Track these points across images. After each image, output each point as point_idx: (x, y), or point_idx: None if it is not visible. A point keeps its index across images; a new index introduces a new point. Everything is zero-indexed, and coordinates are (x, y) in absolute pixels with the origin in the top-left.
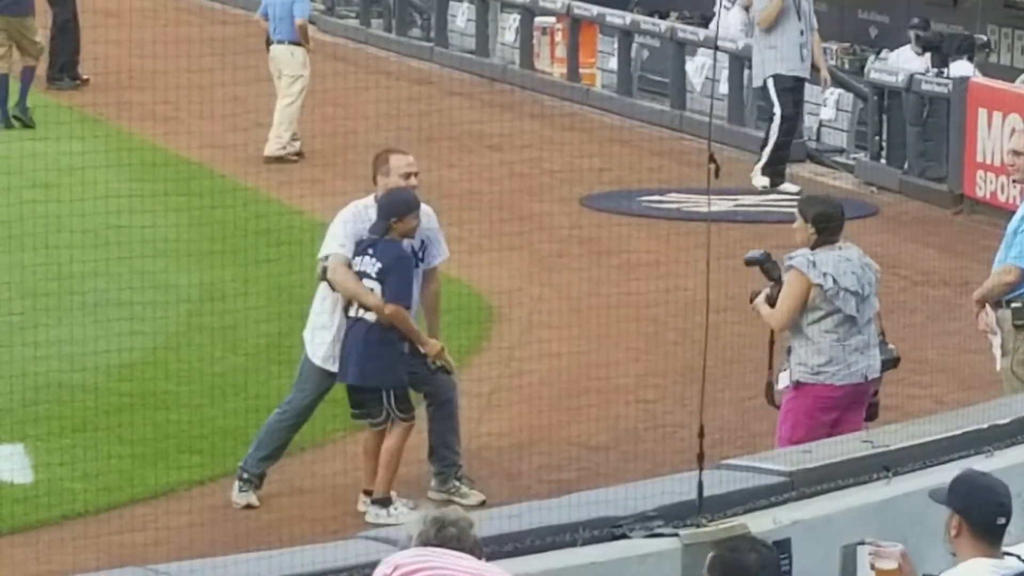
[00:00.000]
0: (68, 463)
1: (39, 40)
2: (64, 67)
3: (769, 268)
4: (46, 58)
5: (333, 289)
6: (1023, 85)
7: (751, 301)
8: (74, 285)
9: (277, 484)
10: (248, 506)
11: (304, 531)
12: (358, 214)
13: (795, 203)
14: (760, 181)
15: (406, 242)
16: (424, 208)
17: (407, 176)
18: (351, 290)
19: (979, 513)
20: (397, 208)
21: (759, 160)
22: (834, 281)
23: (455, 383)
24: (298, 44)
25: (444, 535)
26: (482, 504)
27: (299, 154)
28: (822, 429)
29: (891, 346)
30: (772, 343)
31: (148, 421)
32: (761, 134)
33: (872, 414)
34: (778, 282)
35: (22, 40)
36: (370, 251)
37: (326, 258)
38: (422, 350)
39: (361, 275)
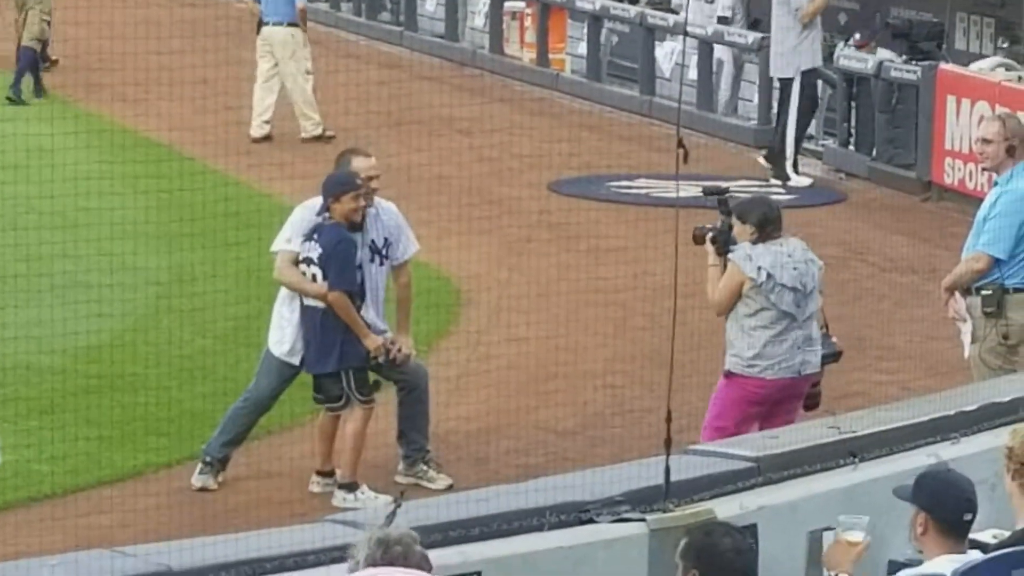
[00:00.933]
0: (35, 445)
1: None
2: None
3: (725, 200)
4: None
5: None
6: (991, 72)
7: (695, 239)
8: (42, 267)
9: (244, 467)
10: (204, 489)
11: (271, 514)
12: (311, 207)
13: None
14: (801, 180)
15: (375, 235)
16: (386, 205)
17: (367, 180)
18: (292, 283)
19: (946, 510)
20: (333, 188)
21: (786, 159)
22: (768, 276)
23: (426, 370)
24: (296, 25)
25: (391, 555)
26: (449, 488)
27: (269, 137)
28: (750, 421)
29: (834, 339)
30: None
31: (116, 403)
32: (730, 120)
33: (811, 404)
34: (729, 217)
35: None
36: (315, 236)
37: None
38: (364, 343)
39: (307, 261)
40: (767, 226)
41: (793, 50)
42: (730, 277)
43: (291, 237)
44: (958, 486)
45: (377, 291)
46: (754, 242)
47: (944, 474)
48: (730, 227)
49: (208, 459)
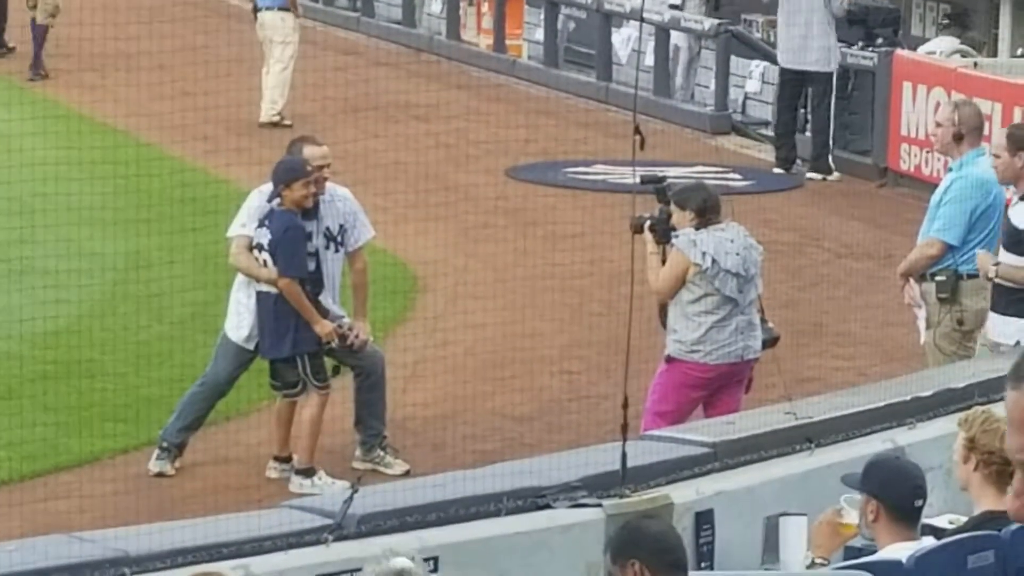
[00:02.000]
0: None
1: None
2: None
3: (663, 190)
4: None
5: None
6: (946, 58)
7: (633, 228)
8: None
9: (202, 453)
10: (160, 474)
11: (228, 500)
12: (266, 192)
13: (723, 175)
14: (835, 174)
15: (330, 222)
16: (340, 191)
17: (319, 168)
18: (246, 269)
19: (897, 497)
20: (284, 175)
21: (819, 156)
22: (713, 261)
23: (382, 355)
24: (287, 10)
25: None
26: (407, 473)
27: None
28: (691, 405)
29: (770, 325)
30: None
31: (72, 389)
32: (687, 106)
33: (746, 388)
34: (667, 205)
35: None
36: (266, 223)
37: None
38: (315, 329)
39: (258, 247)
40: (707, 212)
41: (834, 45)
42: (674, 263)
43: (246, 222)
44: (908, 472)
45: (333, 278)
46: (696, 228)
47: (893, 461)
48: (668, 215)
49: (165, 444)
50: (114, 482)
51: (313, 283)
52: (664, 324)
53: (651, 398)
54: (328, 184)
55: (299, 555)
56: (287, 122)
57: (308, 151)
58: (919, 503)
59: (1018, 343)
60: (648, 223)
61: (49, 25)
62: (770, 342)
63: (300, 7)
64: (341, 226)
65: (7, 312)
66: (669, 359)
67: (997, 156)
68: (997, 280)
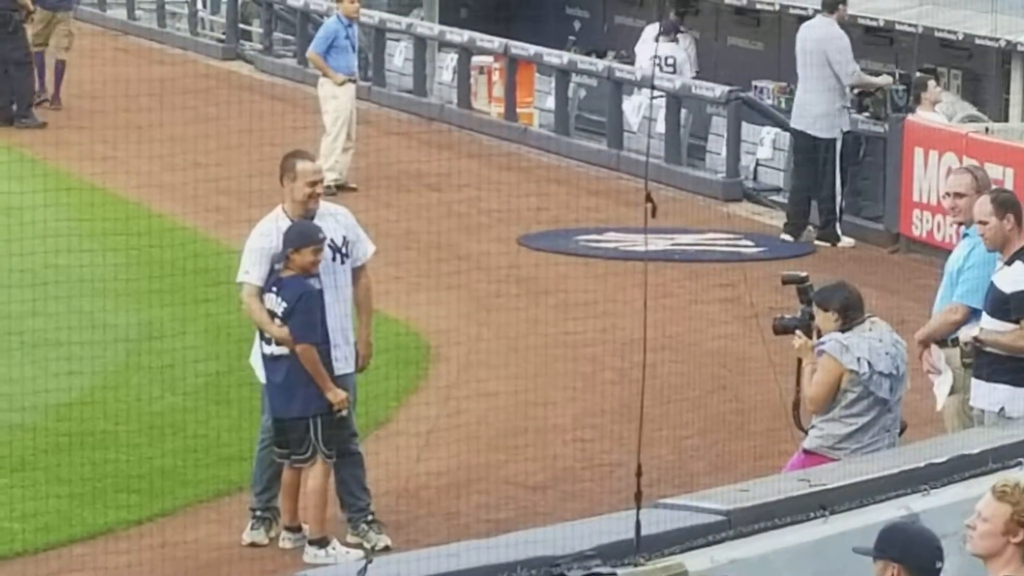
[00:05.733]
0: (6, 503)
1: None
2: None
3: (805, 289)
4: None
5: None
6: (959, 124)
7: (776, 330)
8: (12, 325)
9: (216, 524)
10: (253, 544)
11: (243, 571)
12: (265, 232)
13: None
14: (847, 241)
15: (334, 235)
16: (338, 209)
17: (312, 184)
18: (257, 321)
19: (918, 560)
20: (296, 239)
21: (826, 224)
22: (869, 366)
23: (356, 433)
24: (324, 76)
25: None
26: (386, 549)
27: (340, 186)
28: None
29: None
30: (799, 366)
31: (86, 460)
32: (698, 173)
33: None
34: (809, 305)
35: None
36: (274, 289)
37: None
38: (327, 396)
39: (271, 315)
40: (850, 311)
41: (839, 112)
42: (827, 371)
43: (249, 269)
44: (927, 535)
45: (339, 290)
46: (841, 329)
47: (911, 525)
48: (811, 316)
49: (258, 513)
50: (128, 553)
51: (321, 339)
52: (798, 423)
53: None
54: (322, 201)
55: None
56: (352, 185)
57: (301, 166)
58: (939, 565)
59: (1002, 410)
60: (798, 328)
61: (64, 60)
62: (899, 431)
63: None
64: (344, 238)
65: (20, 384)
66: (808, 452)
67: (984, 223)
68: (979, 346)
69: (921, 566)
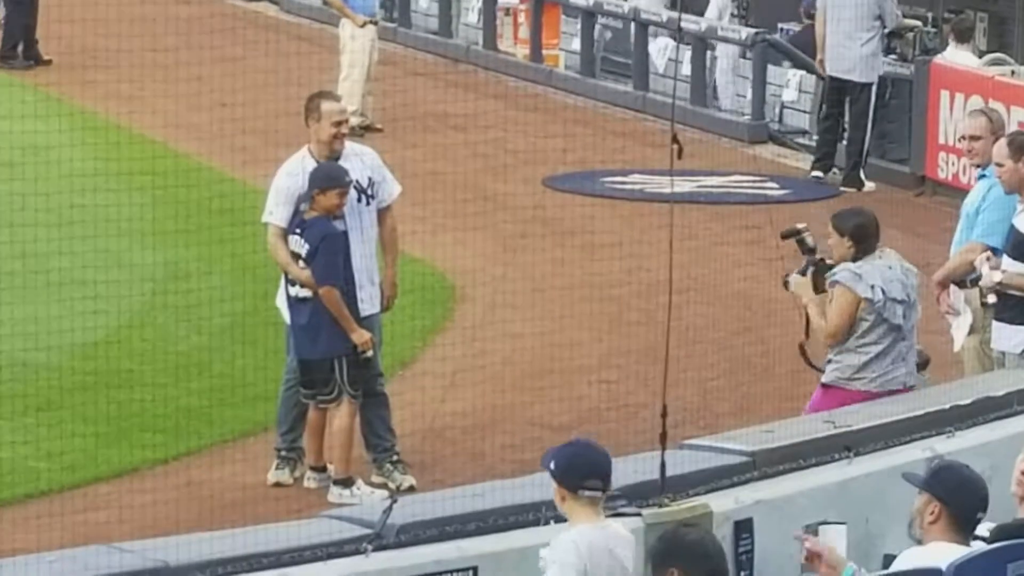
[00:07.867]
0: (32, 442)
1: None
2: (16, 46)
3: (803, 240)
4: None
5: None
6: (985, 67)
7: (784, 286)
8: (37, 264)
9: (241, 464)
10: (278, 484)
11: (268, 510)
12: (292, 172)
13: (760, 184)
14: (870, 185)
15: (359, 175)
16: (364, 149)
17: (338, 124)
18: (281, 263)
19: (962, 505)
20: (319, 181)
21: (852, 169)
22: (883, 292)
23: (381, 374)
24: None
25: None
26: (411, 489)
27: (366, 127)
28: None
29: (920, 346)
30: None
31: (111, 400)
32: (724, 115)
33: None
34: (812, 254)
35: None
36: (298, 230)
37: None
38: (352, 337)
39: (295, 256)
40: (865, 239)
41: (874, 55)
42: (843, 301)
43: (273, 210)
44: (977, 483)
45: (364, 231)
46: (853, 258)
47: (964, 470)
48: (815, 264)
49: (283, 453)
50: (153, 492)
51: (346, 280)
52: (807, 361)
53: None
54: (348, 142)
55: (338, 565)
56: (378, 126)
57: (326, 106)
58: (980, 515)
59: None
60: (811, 270)
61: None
62: (922, 364)
63: (361, 17)
64: (370, 178)
65: (46, 323)
66: (826, 386)
67: (1000, 165)
68: (1001, 288)
69: (963, 513)
